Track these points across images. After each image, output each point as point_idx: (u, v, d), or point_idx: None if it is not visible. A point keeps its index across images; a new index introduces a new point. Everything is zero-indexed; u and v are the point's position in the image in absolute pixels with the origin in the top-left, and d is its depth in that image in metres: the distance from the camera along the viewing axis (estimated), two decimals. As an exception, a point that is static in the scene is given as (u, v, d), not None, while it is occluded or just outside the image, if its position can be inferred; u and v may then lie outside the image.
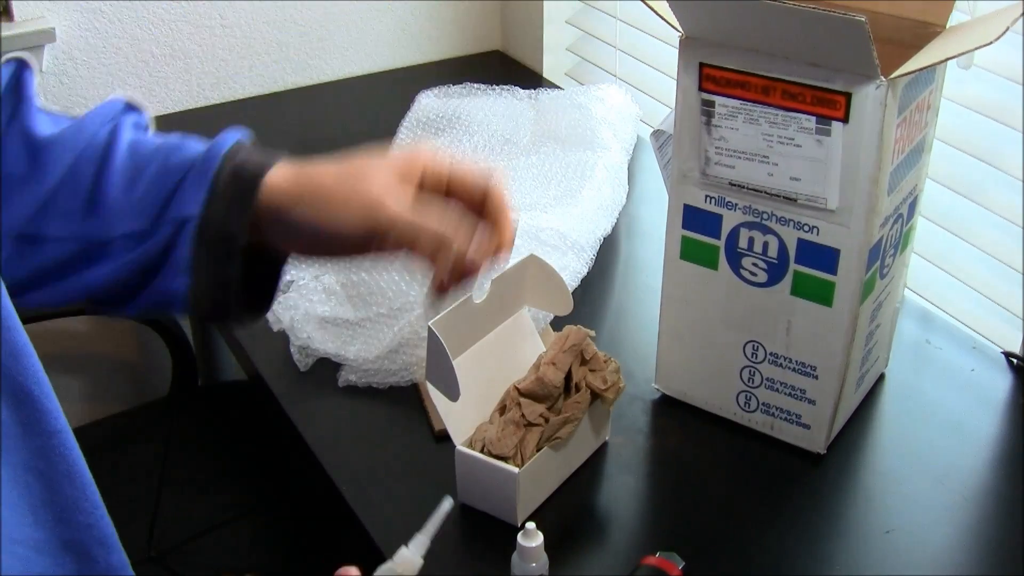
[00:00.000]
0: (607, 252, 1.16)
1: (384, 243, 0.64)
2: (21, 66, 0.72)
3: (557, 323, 0.97)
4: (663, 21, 0.80)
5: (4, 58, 0.72)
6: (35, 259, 0.65)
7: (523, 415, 0.81)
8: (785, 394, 0.87)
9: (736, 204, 0.82)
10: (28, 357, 0.57)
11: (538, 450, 0.80)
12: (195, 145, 0.69)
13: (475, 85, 1.47)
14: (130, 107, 0.73)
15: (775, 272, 0.83)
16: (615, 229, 1.20)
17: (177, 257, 0.66)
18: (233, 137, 0.68)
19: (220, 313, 0.67)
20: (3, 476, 0.54)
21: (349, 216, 0.64)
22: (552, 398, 0.82)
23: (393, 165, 0.66)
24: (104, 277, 0.66)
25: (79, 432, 0.62)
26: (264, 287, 0.70)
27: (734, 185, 0.82)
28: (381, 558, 0.79)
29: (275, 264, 0.70)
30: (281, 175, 0.66)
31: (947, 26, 0.82)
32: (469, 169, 0.68)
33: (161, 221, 0.65)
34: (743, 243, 0.84)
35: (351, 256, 0.66)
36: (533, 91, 1.45)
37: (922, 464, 0.87)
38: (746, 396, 0.89)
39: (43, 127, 0.69)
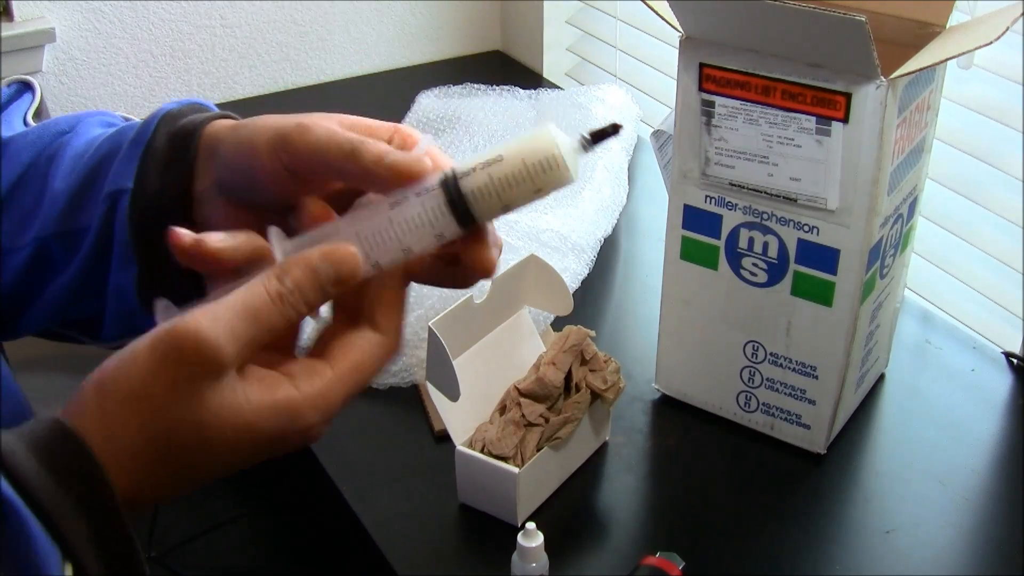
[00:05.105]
0: (607, 252, 1.16)
1: (295, 159, 0.51)
2: (24, 88, 0.70)
3: (557, 323, 0.97)
4: (663, 21, 0.80)
5: (8, 80, 0.70)
6: (5, 275, 0.61)
7: (523, 415, 0.81)
8: (785, 394, 0.87)
9: (736, 204, 0.82)
10: None
11: (538, 450, 0.80)
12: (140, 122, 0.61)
13: (475, 85, 1.48)
14: (127, 121, 0.66)
15: (775, 272, 0.83)
16: (615, 229, 1.20)
17: (118, 242, 0.59)
18: (174, 104, 0.60)
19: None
20: None
21: (269, 128, 0.52)
22: (552, 398, 0.82)
23: (348, 118, 0.54)
24: (66, 287, 0.61)
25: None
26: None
27: (734, 185, 0.82)
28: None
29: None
30: (224, 120, 0.58)
31: (947, 26, 0.82)
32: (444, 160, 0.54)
33: (96, 203, 0.59)
34: (743, 243, 0.84)
35: (274, 196, 0.53)
36: (533, 91, 1.45)
37: (922, 464, 0.87)
38: (746, 396, 0.89)
39: (8, 131, 0.64)
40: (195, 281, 0.56)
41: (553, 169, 0.46)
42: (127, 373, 0.44)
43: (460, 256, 0.51)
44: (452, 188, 0.47)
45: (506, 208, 0.48)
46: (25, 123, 0.68)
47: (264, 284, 0.46)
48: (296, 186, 0.53)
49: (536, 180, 0.47)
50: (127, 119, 0.67)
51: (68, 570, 0.41)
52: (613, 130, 0.48)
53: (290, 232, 0.52)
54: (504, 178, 0.47)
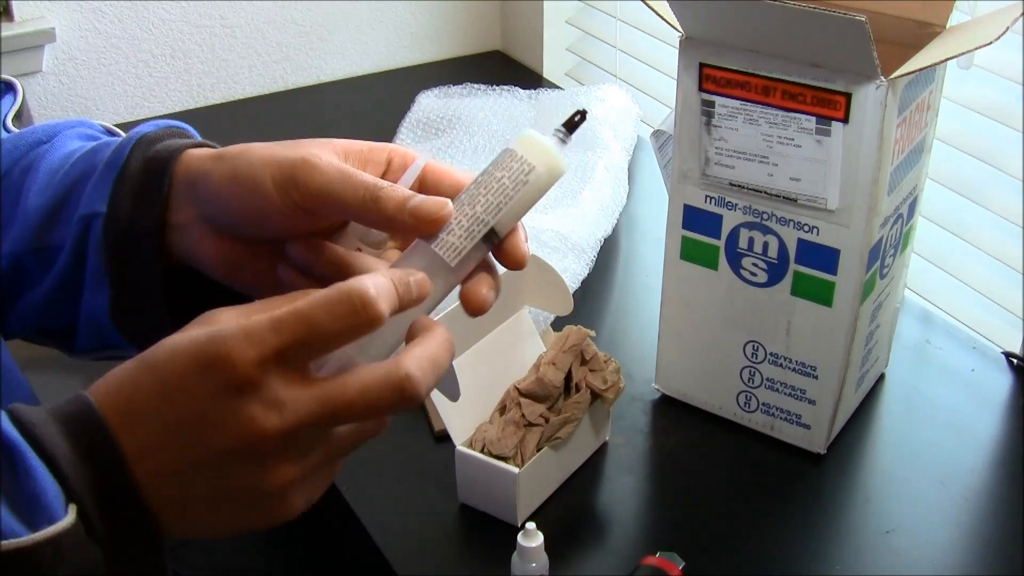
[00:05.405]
0: (607, 252, 1.16)
1: (307, 198, 0.52)
2: (6, 89, 0.69)
3: (557, 323, 0.97)
4: (663, 21, 0.80)
5: None
6: None
7: (523, 415, 0.81)
8: (785, 394, 0.87)
9: (736, 204, 0.82)
10: None
11: (538, 450, 0.80)
12: (119, 141, 0.60)
13: (475, 85, 1.47)
14: (108, 132, 0.66)
15: (775, 272, 0.83)
16: (615, 229, 1.20)
17: (91, 265, 0.58)
18: (151, 126, 0.60)
19: (148, 332, 0.56)
20: None
21: (269, 162, 0.52)
22: (552, 398, 0.82)
23: (341, 143, 0.55)
24: (40, 300, 0.60)
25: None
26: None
27: (734, 185, 0.82)
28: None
29: (209, 287, 0.60)
30: (202, 150, 0.58)
31: (947, 26, 0.82)
32: (448, 170, 0.56)
33: (70, 223, 0.59)
34: (743, 243, 0.84)
35: (280, 230, 0.54)
36: (533, 91, 1.44)
37: (922, 464, 0.87)
38: (746, 396, 0.89)
39: None
40: (168, 307, 0.58)
41: (551, 177, 0.52)
42: None
43: (494, 254, 0.53)
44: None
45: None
46: (4, 126, 0.68)
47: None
48: (305, 220, 0.53)
49: (539, 190, 0.52)
50: (108, 129, 0.66)
51: (72, 510, 0.42)
52: (581, 117, 0.54)
53: (287, 260, 0.54)
54: (511, 202, 0.51)
